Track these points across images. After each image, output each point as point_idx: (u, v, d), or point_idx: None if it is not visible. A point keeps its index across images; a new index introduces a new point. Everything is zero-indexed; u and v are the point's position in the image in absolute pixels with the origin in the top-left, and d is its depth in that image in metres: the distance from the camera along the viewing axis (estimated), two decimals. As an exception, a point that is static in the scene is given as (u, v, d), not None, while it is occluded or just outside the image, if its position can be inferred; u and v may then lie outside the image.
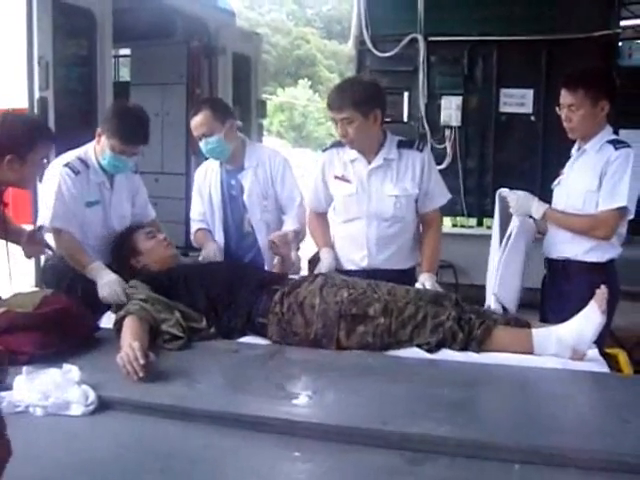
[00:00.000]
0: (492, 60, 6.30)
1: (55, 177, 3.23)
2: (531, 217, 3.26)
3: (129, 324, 2.64)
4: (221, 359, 2.60)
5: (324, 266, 3.32)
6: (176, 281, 2.99)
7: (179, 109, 6.33)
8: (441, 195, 3.39)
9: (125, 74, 7.56)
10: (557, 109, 3.24)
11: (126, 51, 7.12)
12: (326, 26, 39.68)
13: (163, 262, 3.25)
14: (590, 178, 3.11)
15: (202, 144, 3.52)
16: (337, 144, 3.39)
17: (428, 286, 3.08)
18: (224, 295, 2.92)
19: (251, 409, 2.09)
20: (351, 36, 6.74)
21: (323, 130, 34.27)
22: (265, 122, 8.33)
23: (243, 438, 1.96)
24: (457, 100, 6.30)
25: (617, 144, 3.09)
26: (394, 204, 3.28)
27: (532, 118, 6.03)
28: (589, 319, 2.53)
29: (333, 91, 3.23)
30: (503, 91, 6.22)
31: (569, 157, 3.35)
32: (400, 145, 3.31)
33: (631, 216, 3.09)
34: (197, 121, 3.49)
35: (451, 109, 6.20)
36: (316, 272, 3.24)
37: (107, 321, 2.96)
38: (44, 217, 3.23)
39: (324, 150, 3.50)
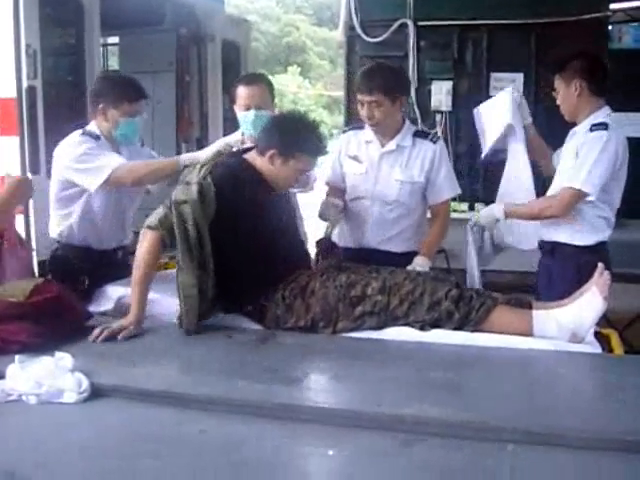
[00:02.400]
0: (482, 44, 6.28)
1: (77, 145, 3.20)
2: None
3: (149, 268, 2.71)
4: (215, 344, 2.60)
5: (324, 199, 3.38)
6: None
7: (169, 97, 6.29)
8: (449, 189, 3.46)
9: (114, 63, 7.51)
10: (553, 94, 3.28)
11: (115, 39, 7.07)
12: (316, 13, 39.50)
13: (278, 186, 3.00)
14: (570, 160, 3.13)
15: (249, 115, 3.39)
16: (356, 127, 3.56)
17: (419, 268, 3.10)
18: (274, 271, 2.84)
19: (246, 394, 2.09)
20: (340, 22, 6.71)
21: (314, 117, 34.19)
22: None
23: (238, 423, 1.97)
24: (447, 85, 6.28)
25: (594, 127, 3.09)
26: (399, 189, 3.36)
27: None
28: (590, 305, 2.53)
29: (363, 75, 3.35)
30: (493, 75, 6.20)
31: (560, 139, 3.35)
32: (416, 134, 3.42)
33: (592, 198, 3.07)
34: (254, 90, 3.44)
35: (441, 94, 6.17)
36: (320, 207, 3.32)
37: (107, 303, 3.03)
38: (94, 180, 3.15)
39: (344, 132, 3.65)
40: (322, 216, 3.35)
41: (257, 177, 2.89)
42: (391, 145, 3.37)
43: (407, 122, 3.45)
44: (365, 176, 3.41)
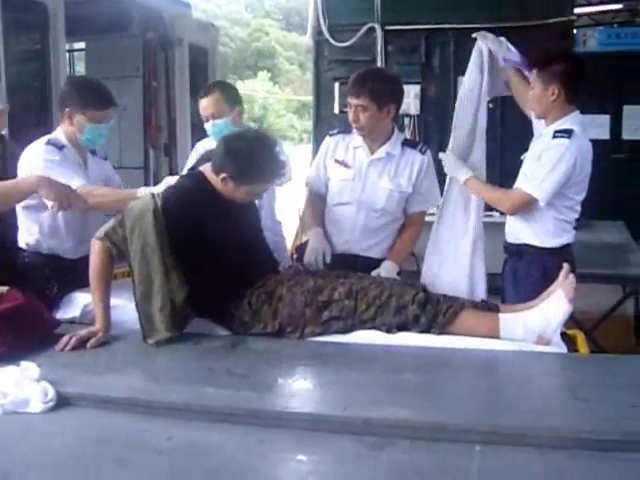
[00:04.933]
0: (449, 48, 6.37)
1: (40, 155, 3.14)
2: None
3: (104, 277, 2.70)
4: (182, 350, 2.58)
5: (312, 246, 3.31)
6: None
7: (136, 102, 6.29)
8: (430, 200, 3.45)
9: (80, 68, 7.46)
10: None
11: (81, 45, 7.03)
12: (285, 17, 39.54)
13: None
14: (533, 162, 3.17)
15: (209, 126, 3.59)
16: (344, 131, 3.49)
17: (383, 274, 3.11)
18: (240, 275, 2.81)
19: (214, 400, 2.08)
20: (309, 27, 6.74)
21: (284, 122, 34.18)
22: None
23: (206, 429, 1.96)
24: (415, 89, 6.35)
25: (557, 133, 3.11)
26: (387, 197, 3.34)
27: (490, 105, 6.07)
28: (557, 307, 2.55)
29: (355, 78, 3.29)
30: (461, 79, 6.20)
31: (528, 143, 3.39)
32: (404, 143, 3.40)
33: (541, 204, 3.11)
34: (207, 102, 3.58)
35: (410, 98, 6.22)
36: (306, 254, 3.26)
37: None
38: None
39: (331, 135, 3.54)
40: (309, 264, 3.25)
41: (213, 190, 2.83)
42: (380, 152, 3.35)
43: (396, 130, 3.42)
44: (352, 182, 3.37)
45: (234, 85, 4.22)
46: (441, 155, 3.34)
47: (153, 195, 2.77)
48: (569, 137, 3.07)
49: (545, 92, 3.14)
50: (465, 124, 3.34)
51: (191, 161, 3.62)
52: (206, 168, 2.88)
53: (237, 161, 2.73)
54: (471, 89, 3.35)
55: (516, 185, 3.23)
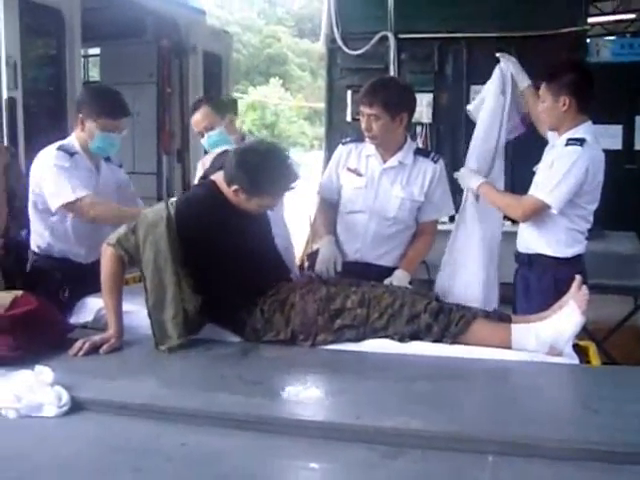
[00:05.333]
0: (462, 57, 6.36)
1: (51, 160, 3.18)
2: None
3: (115, 283, 2.71)
4: (195, 357, 2.59)
5: (323, 255, 3.33)
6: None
7: (150, 108, 6.32)
8: (442, 209, 3.46)
9: (95, 74, 7.50)
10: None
11: (96, 51, 7.07)
12: (297, 24, 39.60)
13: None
14: (546, 171, 3.17)
15: (205, 140, 3.66)
16: (357, 140, 3.49)
17: (395, 282, 3.12)
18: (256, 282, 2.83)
19: (226, 407, 2.09)
20: (322, 34, 6.76)
21: (295, 128, 34.21)
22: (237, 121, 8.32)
23: (219, 435, 1.97)
24: (428, 97, 6.34)
25: (570, 141, 3.12)
26: (399, 206, 3.34)
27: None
28: (569, 318, 2.55)
29: (368, 87, 3.29)
30: (473, 87, 6.26)
31: (539, 153, 3.39)
32: (417, 152, 3.41)
33: (554, 211, 3.12)
34: (197, 117, 3.66)
35: (422, 106, 6.22)
36: (317, 263, 3.28)
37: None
38: (56, 200, 3.14)
39: (344, 143, 3.55)
40: (320, 272, 3.28)
41: (225, 200, 2.84)
42: (393, 161, 3.35)
43: (409, 139, 3.43)
44: (364, 190, 3.38)
45: (221, 97, 4.29)
46: (456, 175, 3.41)
47: (166, 204, 2.78)
48: (581, 145, 3.08)
49: (556, 103, 3.15)
50: (486, 144, 3.38)
51: (198, 174, 3.64)
52: (218, 177, 2.89)
53: (249, 174, 2.74)
54: (493, 110, 3.38)
55: (529, 193, 3.24)
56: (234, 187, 2.78)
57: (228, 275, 2.78)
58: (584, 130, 3.16)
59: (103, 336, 2.65)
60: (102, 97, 3.31)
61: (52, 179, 3.15)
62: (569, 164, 3.06)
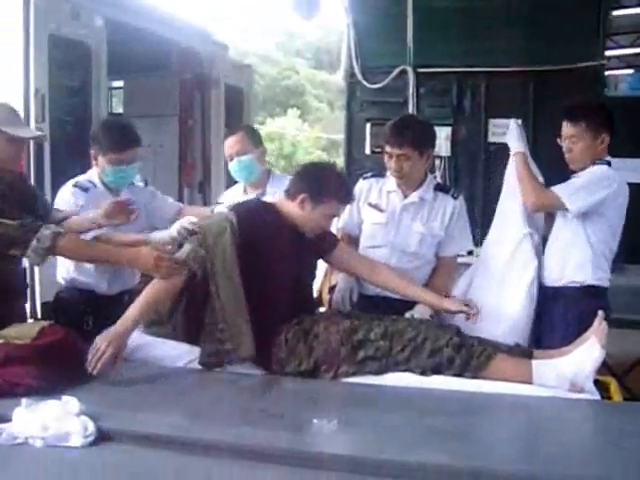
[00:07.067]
0: (480, 91, 6.40)
1: (68, 197, 3.28)
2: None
3: (163, 293, 2.75)
4: (219, 390, 2.61)
5: (339, 285, 3.39)
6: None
7: (172, 141, 6.38)
8: (462, 244, 3.51)
9: (118, 106, 7.60)
10: (558, 140, 3.31)
11: (119, 83, 7.17)
12: (314, 56, 39.92)
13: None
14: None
15: (233, 164, 3.67)
16: (377, 174, 3.54)
17: (417, 316, 3.11)
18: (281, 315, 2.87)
19: (251, 439, 2.10)
20: (341, 68, 6.83)
21: (313, 159, 34.29)
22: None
23: (243, 468, 1.98)
24: (446, 130, 6.38)
25: (597, 161, 3.18)
26: (419, 241, 3.37)
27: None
28: (589, 354, 2.55)
29: (392, 128, 3.35)
30: (492, 121, 6.30)
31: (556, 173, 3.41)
32: (437, 188, 3.45)
33: (569, 214, 3.16)
34: (233, 140, 3.68)
35: (440, 139, 6.24)
36: (335, 293, 3.35)
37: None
38: None
39: (364, 178, 3.59)
40: (337, 304, 3.36)
41: (280, 221, 2.96)
42: (414, 197, 3.38)
43: (429, 175, 3.47)
44: (385, 226, 3.41)
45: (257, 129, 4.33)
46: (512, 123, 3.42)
47: (225, 214, 2.88)
48: (608, 165, 3.15)
49: (595, 141, 3.18)
50: None
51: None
52: (278, 200, 3.04)
53: (315, 181, 2.93)
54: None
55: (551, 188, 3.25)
56: (300, 197, 2.90)
57: (261, 294, 2.81)
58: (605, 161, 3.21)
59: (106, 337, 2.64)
60: (108, 132, 3.36)
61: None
62: (597, 177, 3.13)
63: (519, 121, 3.40)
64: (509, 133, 3.44)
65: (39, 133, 3.05)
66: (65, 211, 3.17)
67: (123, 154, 3.30)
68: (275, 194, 3.60)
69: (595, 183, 3.12)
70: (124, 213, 3.12)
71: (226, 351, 2.75)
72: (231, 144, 3.68)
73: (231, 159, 3.68)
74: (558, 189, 3.19)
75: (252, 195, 3.61)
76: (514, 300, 3.25)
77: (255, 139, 3.72)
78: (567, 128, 3.23)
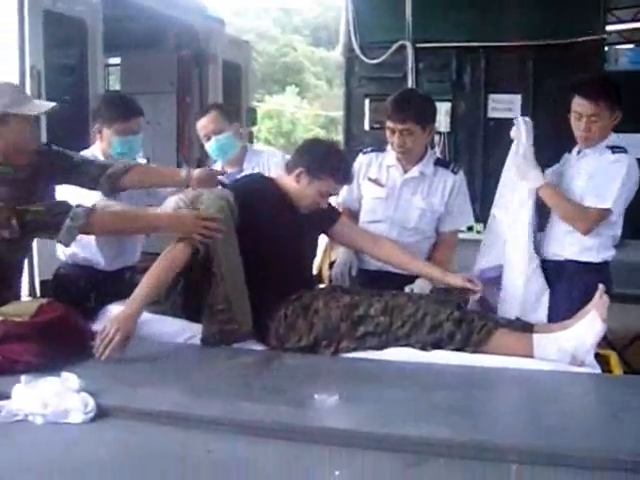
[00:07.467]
0: (480, 66, 6.37)
1: None
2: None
3: (171, 269, 2.71)
4: (219, 365, 2.61)
5: (339, 259, 3.40)
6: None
7: (170, 117, 6.36)
8: (462, 219, 3.51)
9: (115, 83, 7.56)
10: (569, 116, 3.20)
11: (116, 60, 7.12)
12: (313, 33, 39.68)
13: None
14: (585, 181, 3.15)
15: (210, 144, 3.66)
16: (377, 149, 3.53)
17: (417, 291, 3.12)
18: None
19: (252, 415, 2.10)
20: (340, 43, 6.79)
21: (312, 136, 34.19)
22: (254, 129, 8.38)
23: (245, 443, 1.97)
24: (446, 106, 6.36)
25: (615, 149, 3.12)
26: (419, 216, 3.37)
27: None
28: (590, 327, 2.55)
29: (395, 103, 3.32)
30: (491, 97, 6.28)
31: (557, 162, 3.38)
32: (437, 163, 3.45)
33: (614, 218, 3.12)
34: (206, 119, 3.68)
35: (440, 115, 6.21)
36: (334, 267, 3.37)
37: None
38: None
39: (364, 153, 3.57)
40: (336, 279, 3.38)
41: (280, 194, 2.96)
42: (414, 172, 3.37)
43: (429, 149, 3.46)
44: (385, 201, 3.40)
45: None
46: (520, 120, 3.26)
47: (220, 192, 2.87)
48: (626, 152, 3.10)
49: (611, 119, 3.13)
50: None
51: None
52: (278, 175, 3.04)
53: (313, 155, 2.94)
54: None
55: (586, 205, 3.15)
56: (297, 170, 2.91)
57: (260, 268, 2.80)
58: (612, 139, 3.17)
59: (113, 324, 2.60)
60: (112, 102, 3.41)
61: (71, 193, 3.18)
62: (624, 171, 3.06)
63: (527, 118, 3.32)
64: (516, 130, 3.29)
65: (51, 105, 2.99)
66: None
67: (130, 122, 3.30)
68: (254, 169, 3.62)
69: (618, 174, 3.06)
70: (213, 181, 3.13)
71: (230, 331, 2.75)
72: (205, 124, 3.67)
73: (208, 139, 3.68)
74: (596, 202, 3.08)
75: (230, 170, 3.62)
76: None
77: (228, 116, 3.72)
78: (584, 107, 3.12)
